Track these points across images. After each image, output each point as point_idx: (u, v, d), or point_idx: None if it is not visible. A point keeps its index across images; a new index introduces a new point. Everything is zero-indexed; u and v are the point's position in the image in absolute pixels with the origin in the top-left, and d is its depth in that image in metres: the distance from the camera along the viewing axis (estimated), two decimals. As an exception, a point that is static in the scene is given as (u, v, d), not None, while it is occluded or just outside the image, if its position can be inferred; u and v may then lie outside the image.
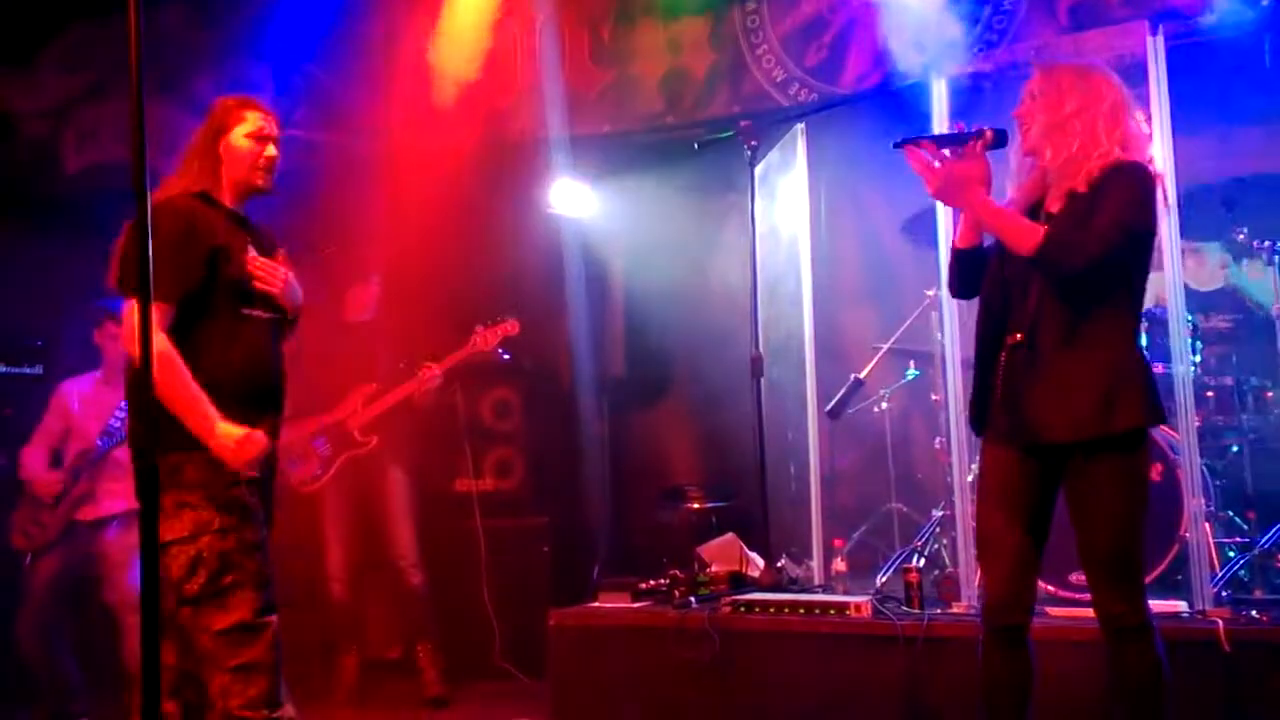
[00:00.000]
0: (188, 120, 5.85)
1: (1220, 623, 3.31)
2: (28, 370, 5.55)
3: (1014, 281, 2.78)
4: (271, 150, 3.01)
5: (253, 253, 2.96)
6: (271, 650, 2.78)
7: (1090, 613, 2.75)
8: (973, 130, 2.81)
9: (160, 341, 2.70)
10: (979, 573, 2.91)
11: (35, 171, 6.20)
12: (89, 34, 6.09)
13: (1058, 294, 2.68)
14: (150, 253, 1.99)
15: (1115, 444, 2.64)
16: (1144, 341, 4.41)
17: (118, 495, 4.48)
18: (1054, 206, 2.79)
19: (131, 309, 2.65)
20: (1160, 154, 3.89)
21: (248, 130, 2.99)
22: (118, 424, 4.53)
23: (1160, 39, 3.90)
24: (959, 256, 2.94)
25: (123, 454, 4.46)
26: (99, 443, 4.53)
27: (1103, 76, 2.82)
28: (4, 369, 5.62)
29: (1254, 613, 3.49)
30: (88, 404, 4.66)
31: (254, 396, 2.89)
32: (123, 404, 4.56)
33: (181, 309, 2.82)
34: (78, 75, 6.12)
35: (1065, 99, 2.76)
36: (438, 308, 5.20)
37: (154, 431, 2.63)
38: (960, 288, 3.00)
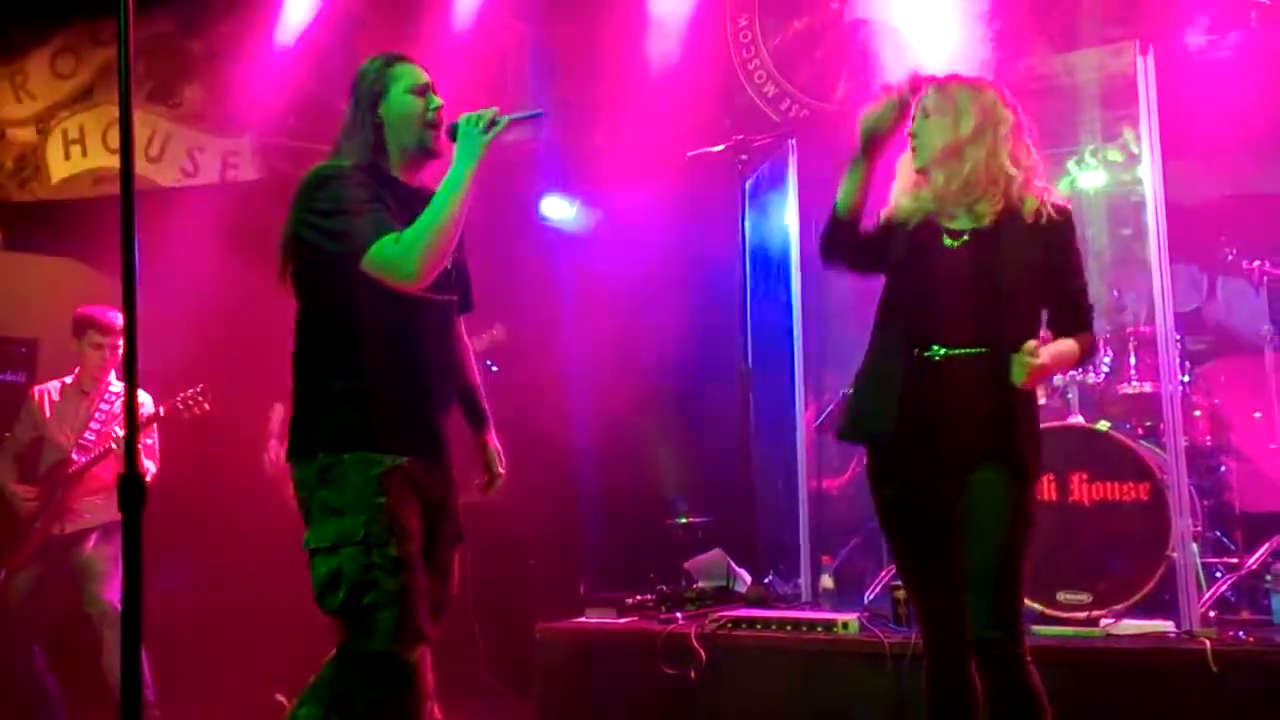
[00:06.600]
0: (177, 128, 5.88)
1: (1207, 643, 3.30)
2: (10, 377, 5.50)
3: (948, 283, 2.66)
4: (437, 101, 2.67)
5: None
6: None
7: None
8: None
9: None
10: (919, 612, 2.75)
11: (21, 178, 6.16)
12: (77, 40, 6.06)
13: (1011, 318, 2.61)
14: (134, 261, 1.94)
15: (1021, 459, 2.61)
16: (1133, 360, 4.47)
17: (97, 507, 4.41)
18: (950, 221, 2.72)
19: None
20: (1149, 174, 3.91)
21: (407, 85, 2.64)
22: (92, 437, 4.46)
23: (1150, 59, 3.92)
24: (852, 225, 2.72)
25: (101, 469, 4.40)
26: (75, 457, 4.45)
27: (998, 95, 2.71)
28: (-13, 375, 5.57)
29: (1241, 633, 3.48)
30: (59, 412, 4.55)
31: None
32: (97, 416, 4.49)
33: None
34: (65, 81, 6.09)
35: (960, 120, 2.67)
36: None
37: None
38: (851, 259, 2.80)
